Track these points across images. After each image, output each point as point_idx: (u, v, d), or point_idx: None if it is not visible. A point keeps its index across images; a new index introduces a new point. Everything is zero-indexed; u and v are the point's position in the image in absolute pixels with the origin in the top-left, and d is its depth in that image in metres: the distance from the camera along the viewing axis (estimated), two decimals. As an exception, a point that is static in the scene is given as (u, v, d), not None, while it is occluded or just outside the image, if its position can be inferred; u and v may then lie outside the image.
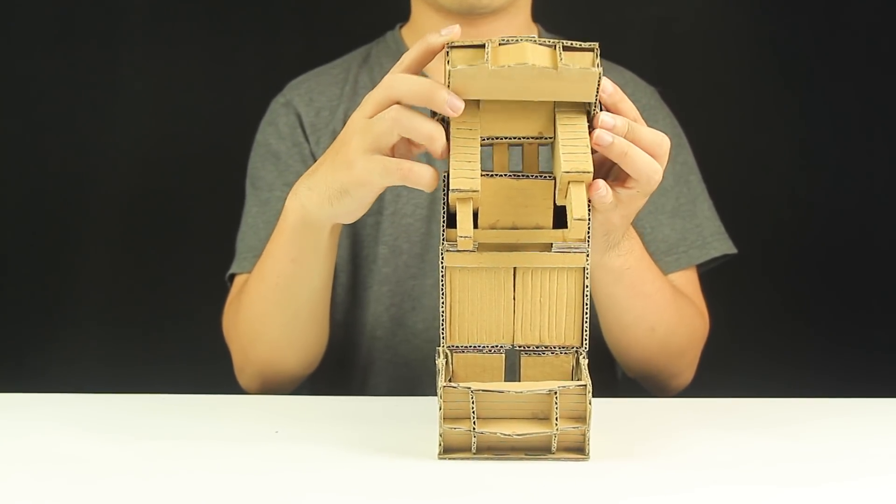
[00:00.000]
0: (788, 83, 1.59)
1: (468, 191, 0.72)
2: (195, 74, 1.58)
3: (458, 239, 0.72)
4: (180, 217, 1.59)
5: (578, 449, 0.76)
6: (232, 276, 1.17)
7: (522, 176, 0.76)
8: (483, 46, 0.71)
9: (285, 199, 1.12)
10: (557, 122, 0.74)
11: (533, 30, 1.19)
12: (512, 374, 0.81)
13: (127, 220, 1.60)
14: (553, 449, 0.75)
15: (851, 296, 1.61)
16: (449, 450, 0.76)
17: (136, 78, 1.57)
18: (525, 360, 0.79)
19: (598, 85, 0.73)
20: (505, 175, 0.76)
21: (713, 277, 1.21)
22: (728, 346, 1.22)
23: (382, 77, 1.17)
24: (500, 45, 0.71)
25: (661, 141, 0.77)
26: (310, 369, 1.09)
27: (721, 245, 1.19)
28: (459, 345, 0.78)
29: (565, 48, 0.71)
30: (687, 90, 1.33)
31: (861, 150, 1.58)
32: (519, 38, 0.72)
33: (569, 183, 0.72)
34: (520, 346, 0.78)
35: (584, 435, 0.75)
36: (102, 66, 1.57)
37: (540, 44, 0.72)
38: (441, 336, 0.78)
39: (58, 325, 1.59)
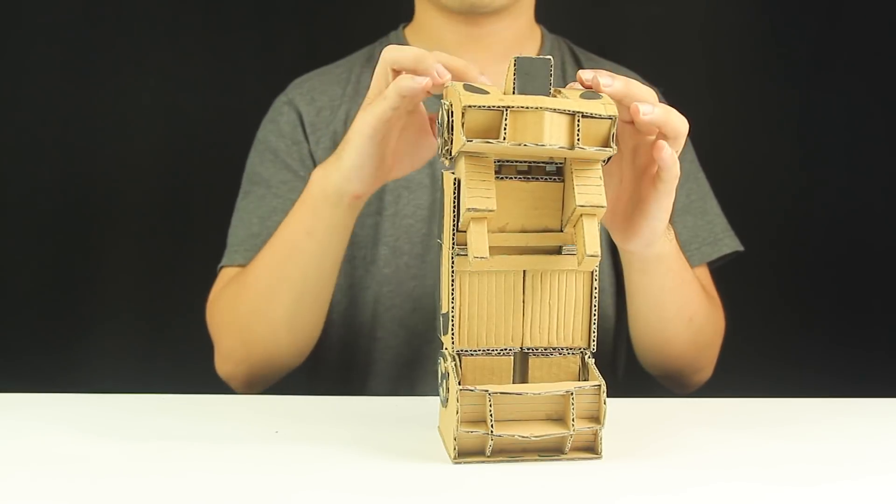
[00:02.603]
0: (788, 83, 1.59)
1: (484, 210, 0.72)
2: (197, 74, 1.58)
3: (472, 259, 0.72)
4: (183, 217, 1.59)
5: (590, 448, 0.76)
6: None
7: (532, 178, 0.76)
8: (499, 109, 0.71)
9: (280, 195, 1.13)
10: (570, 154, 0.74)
11: (536, 31, 1.19)
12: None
13: (127, 221, 1.60)
14: (566, 449, 0.75)
15: (852, 296, 1.60)
16: (464, 453, 0.75)
17: (138, 79, 1.57)
18: (532, 362, 0.79)
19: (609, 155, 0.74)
20: (514, 177, 0.76)
21: (714, 277, 1.21)
22: (729, 346, 1.22)
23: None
24: (517, 109, 0.71)
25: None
26: (299, 360, 1.08)
27: (731, 242, 1.20)
28: (469, 349, 0.78)
29: (584, 116, 0.71)
30: (687, 90, 1.33)
31: (861, 149, 1.58)
32: (535, 106, 0.71)
33: (581, 216, 0.73)
34: (528, 349, 0.79)
35: (596, 434, 0.76)
36: (104, 67, 1.56)
37: (559, 111, 0.71)
38: (451, 339, 0.77)
39: (58, 327, 1.59)
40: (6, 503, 0.68)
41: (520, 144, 0.71)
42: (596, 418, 0.75)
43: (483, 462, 0.75)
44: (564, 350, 0.78)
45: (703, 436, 0.83)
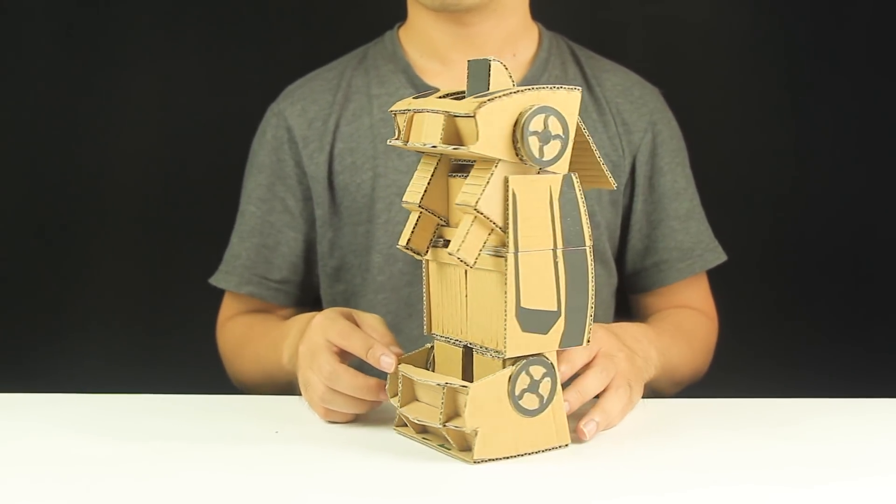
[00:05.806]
0: (788, 83, 1.59)
1: (410, 203, 0.78)
2: (196, 76, 1.57)
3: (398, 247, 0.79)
4: (181, 219, 1.59)
5: (468, 449, 0.76)
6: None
7: (459, 175, 0.78)
8: (404, 112, 0.78)
9: (258, 215, 1.17)
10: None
11: (533, 30, 1.18)
12: None
13: (128, 222, 1.59)
14: (451, 445, 0.77)
15: (851, 295, 1.60)
16: (400, 424, 0.82)
17: (137, 80, 1.57)
18: (476, 358, 0.79)
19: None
20: (450, 175, 0.80)
21: (713, 278, 1.21)
22: (728, 346, 1.22)
23: (378, 80, 1.17)
24: (409, 112, 0.77)
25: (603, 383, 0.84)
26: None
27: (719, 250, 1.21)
28: (437, 333, 0.82)
29: (449, 115, 0.74)
30: (687, 90, 1.33)
31: (860, 149, 1.58)
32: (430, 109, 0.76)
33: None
34: (470, 344, 0.78)
35: (469, 435, 0.75)
36: (103, 68, 1.56)
37: (432, 111, 0.75)
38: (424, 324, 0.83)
39: (59, 326, 1.59)
40: (6, 503, 0.68)
41: (407, 143, 0.77)
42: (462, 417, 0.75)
43: (413, 439, 0.80)
44: (491, 351, 0.77)
45: (703, 436, 0.83)
